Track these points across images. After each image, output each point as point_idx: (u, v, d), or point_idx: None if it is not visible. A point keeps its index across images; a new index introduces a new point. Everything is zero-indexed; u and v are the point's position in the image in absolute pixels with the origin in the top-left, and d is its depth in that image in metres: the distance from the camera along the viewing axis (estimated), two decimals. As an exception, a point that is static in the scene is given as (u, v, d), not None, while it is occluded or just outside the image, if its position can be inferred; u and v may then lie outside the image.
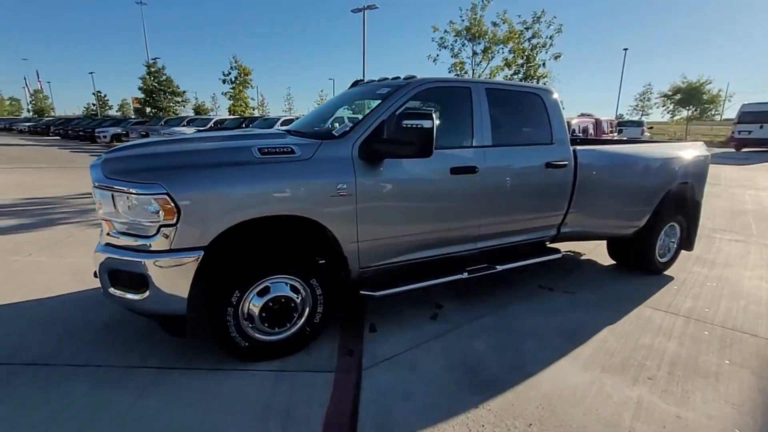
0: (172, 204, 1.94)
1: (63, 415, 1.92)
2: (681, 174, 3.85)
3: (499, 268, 3.09)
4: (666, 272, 4.06)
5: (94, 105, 38.37)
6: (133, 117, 26.79)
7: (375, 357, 2.48)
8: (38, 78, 67.51)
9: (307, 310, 2.43)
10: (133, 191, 1.94)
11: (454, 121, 2.93)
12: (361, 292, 2.60)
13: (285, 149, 2.27)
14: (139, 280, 2.01)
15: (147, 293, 2.03)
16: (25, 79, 67.67)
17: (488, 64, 12.84)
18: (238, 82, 28.63)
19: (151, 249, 1.99)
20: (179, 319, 2.13)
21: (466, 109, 2.87)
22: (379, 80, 3.29)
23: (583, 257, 4.57)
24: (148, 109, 25.77)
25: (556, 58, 15.20)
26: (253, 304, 2.24)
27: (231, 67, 28.41)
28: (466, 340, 2.70)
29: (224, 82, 28.81)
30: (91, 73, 46.57)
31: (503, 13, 12.17)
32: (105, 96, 38.30)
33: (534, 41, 14.69)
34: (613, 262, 4.24)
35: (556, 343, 2.68)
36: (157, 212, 1.94)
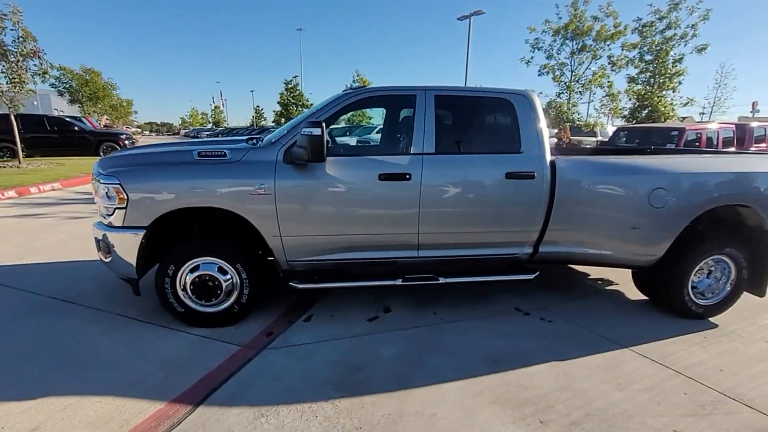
0: (124, 193, 2.58)
1: (54, 329, 2.73)
2: (729, 194, 3.00)
3: (442, 280, 2.98)
4: (713, 319, 3.20)
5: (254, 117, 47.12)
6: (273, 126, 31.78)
7: (285, 342, 2.73)
8: (221, 96, 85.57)
9: (236, 291, 2.83)
10: (102, 182, 2.64)
11: (393, 128, 2.96)
12: (290, 283, 2.88)
13: (218, 153, 2.72)
14: (106, 248, 2.71)
15: (111, 258, 2.71)
16: (212, 97, 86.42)
17: (590, 63, 11.24)
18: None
19: (112, 225, 2.66)
20: (134, 281, 2.77)
21: (408, 116, 2.88)
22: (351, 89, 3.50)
23: (613, 286, 3.89)
24: (282, 120, 30.20)
25: (700, 50, 12.47)
26: (187, 278, 2.74)
27: (353, 81, 31.20)
28: (379, 344, 2.72)
29: (348, 94, 31.78)
30: (251, 91, 56.84)
31: (607, 5, 10.51)
32: (262, 109, 46.49)
33: (668, 33, 12.35)
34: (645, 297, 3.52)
35: (470, 366, 2.49)
36: (114, 198, 2.60)
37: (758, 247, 3.15)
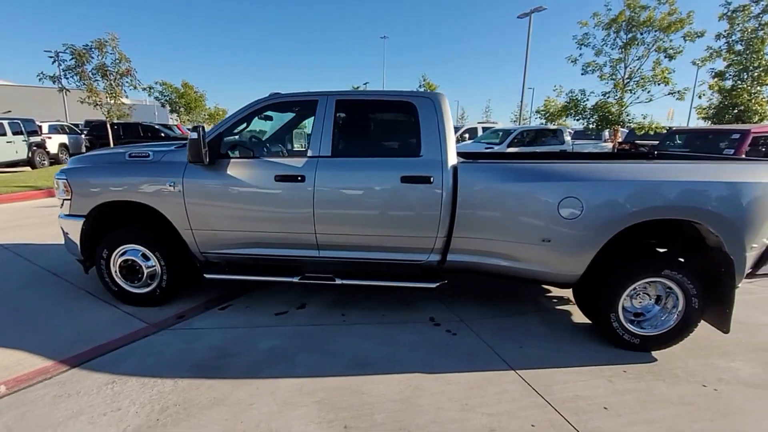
0: (69, 187, 3.11)
1: (33, 294, 3.38)
2: (663, 207, 2.56)
3: (338, 281, 3.02)
4: (659, 353, 2.75)
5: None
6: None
7: (188, 325, 3.02)
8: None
9: (158, 276, 3.20)
10: (57, 178, 3.20)
11: (298, 132, 3.08)
12: (204, 274, 3.18)
13: (143, 154, 3.12)
14: (63, 232, 3.28)
15: (65, 240, 3.28)
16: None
17: (648, 57, 9.66)
18: (425, 98, 31.31)
19: (64, 213, 3.21)
20: (82, 261, 3.31)
21: (309, 120, 2.99)
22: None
23: (566, 306, 3.52)
24: None
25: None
26: (118, 262, 3.19)
27: (420, 85, 31.32)
28: (265, 337, 2.86)
29: (413, 98, 32.05)
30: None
31: (665, -9, 8.98)
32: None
33: (766, 18, 10.30)
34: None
35: (329, 367, 2.51)
36: (63, 191, 3.15)
37: (717, 273, 2.63)
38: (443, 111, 2.90)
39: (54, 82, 12.21)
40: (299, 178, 2.88)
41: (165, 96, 25.26)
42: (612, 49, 10.16)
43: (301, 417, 2.06)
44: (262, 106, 3.09)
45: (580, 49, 10.50)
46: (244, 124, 3.15)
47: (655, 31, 9.47)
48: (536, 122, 14.16)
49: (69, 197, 3.14)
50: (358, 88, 32.41)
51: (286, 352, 2.67)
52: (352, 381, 2.38)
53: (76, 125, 18.20)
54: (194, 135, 2.66)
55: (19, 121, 12.09)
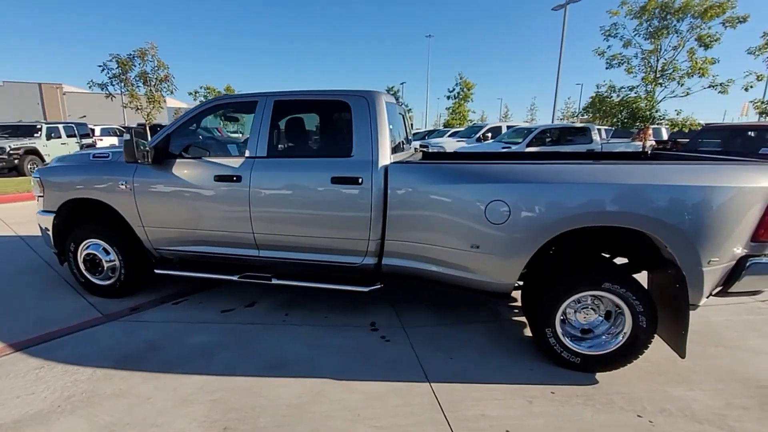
0: (41, 185, 3.38)
1: (22, 282, 3.71)
2: (600, 213, 2.29)
3: (275, 281, 3.02)
4: (605, 375, 2.49)
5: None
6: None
7: (136, 318, 3.17)
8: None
9: (118, 270, 3.39)
10: (33, 176, 3.49)
11: (242, 133, 3.11)
12: (154, 270, 3.32)
13: (104, 155, 3.31)
14: (39, 226, 3.57)
15: (42, 234, 3.57)
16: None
17: (683, 47, 8.59)
18: (460, 97, 30.68)
19: (39, 209, 3.50)
20: (56, 253, 3.58)
21: (249, 121, 3.02)
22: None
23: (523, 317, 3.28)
24: None
25: None
26: (83, 255, 3.42)
27: (456, 83, 30.74)
28: (199, 333, 2.93)
29: (448, 98, 31.53)
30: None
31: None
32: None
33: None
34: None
35: (245, 366, 2.52)
36: (38, 189, 3.42)
37: (672, 289, 2.32)
38: (377, 110, 2.81)
39: (102, 89, 13.41)
40: (235, 179, 2.92)
41: (209, 100, 26.91)
42: (644, 39, 9.29)
43: (189, 415, 2.08)
44: (207, 107, 3.17)
45: (607, 40, 9.72)
46: (194, 125, 3.25)
47: (692, 17, 8.53)
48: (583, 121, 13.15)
49: (42, 194, 3.41)
50: (392, 88, 32.43)
51: (210, 349, 2.72)
52: (257, 382, 2.37)
53: (129, 128, 19.89)
54: (127, 136, 2.79)
55: (72, 125, 13.37)
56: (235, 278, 3.09)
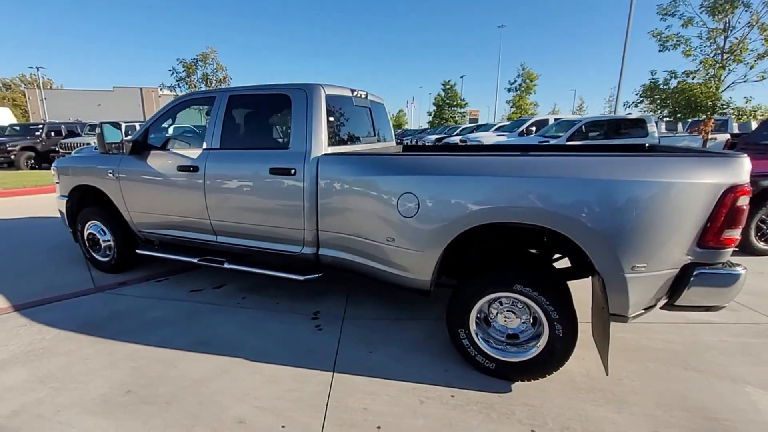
0: (57, 172, 3.95)
1: (37, 259, 4.40)
2: (506, 210, 2.10)
3: (227, 266, 3.22)
4: (529, 384, 2.32)
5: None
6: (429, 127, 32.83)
7: (118, 292, 3.58)
8: (413, 100, 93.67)
9: (113, 249, 3.86)
10: (52, 166, 4.09)
11: (198, 126, 3.35)
12: (136, 250, 3.72)
13: (120, 148, 3.77)
14: (58, 209, 4.18)
15: (60, 215, 4.17)
16: (406, 102, 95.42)
17: (756, 25, 7.02)
18: (522, 89, 29.09)
19: (57, 194, 4.09)
20: (71, 232, 4.16)
21: (209, 115, 3.24)
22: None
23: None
24: (435, 121, 31.05)
25: None
26: (86, 234, 3.94)
27: (518, 75, 29.17)
28: (160, 308, 3.23)
29: (509, 90, 30.07)
30: (421, 88, 60.32)
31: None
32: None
33: None
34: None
35: (178, 341, 2.75)
36: (55, 176, 4.01)
37: (595, 298, 2.08)
38: (314, 103, 2.85)
39: (170, 91, 15.02)
40: (192, 169, 3.17)
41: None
42: (708, 16, 7.99)
43: (108, 377, 2.34)
44: (177, 103, 3.46)
45: (665, 20, 8.53)
46: (169, 120, 3.56)
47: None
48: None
49: (57, 181, 3.99)
50: (449, 81, 31.75)
51: (159, 323, 3.00)
52: (178, 355, 2.57)
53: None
54: (98, 131, 3.16)
55: (135, 123, 15.14)
56: (195, 261, 3.36)
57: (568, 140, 9.28)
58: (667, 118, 9.12)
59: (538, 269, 2.22)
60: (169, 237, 3.58)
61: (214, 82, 15.01)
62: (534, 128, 11.88)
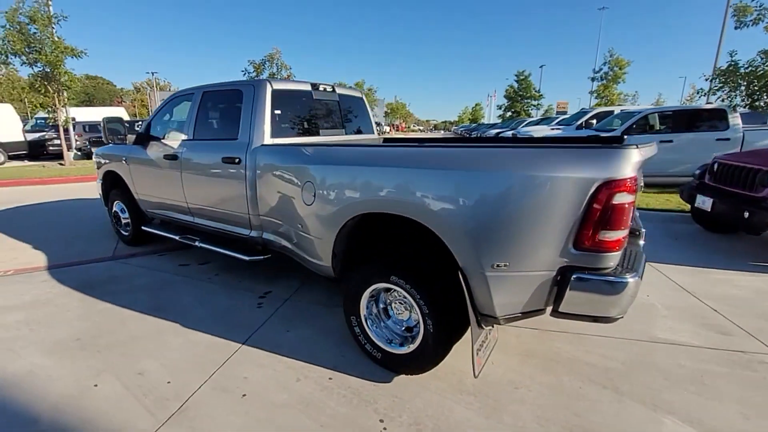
0: (95, 160, 4.77)
1: (101, 230, 5.33)
2: (378, 200, 2.10)
3: (197, 244, 3.62)
4: (411, 378, 2.32)
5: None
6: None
7: (127, 261, 4.23)
8: (494, 93, 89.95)
9: (130, 225, 4.56)
10: (94, 153, 4.92)
11: (182, 120, 3.78)
12: (141, 227, 4.34)
13: (122, 139, 4.45)
14: (98, 191, 5.02)
15: (100, 196, 5.02)
16: (488, 95, 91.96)
17: None
18: (608, 78, 26.21)
19: (98, 178, 4.93)
20: (107, 209, 4.98)
21: (189, 110, 3.66)
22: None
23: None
24: (507, 113, 29.35)
25: None
26: (113, 212, 4.70)
27: (604, 62, 26.30)
28: (146, 277, 3.77)
29: (593, 80, 27.29)
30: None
31: None
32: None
33: None
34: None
35: (140, 304, 3.21)
36: (96, 163, 4.84)
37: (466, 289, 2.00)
38: (259, 97, 3.07)
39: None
40: (173, 157, 3.62)
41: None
42: None
43: (73, 326, 2.85)
44: (171, 99, 3.96)
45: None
46: (167, 114, 4.08)
47: None
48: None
49: (98, 167, 4.81)
50: (523, 72, 29.83)
51: (138, 289, 3.51)
52: (134, 315, 3.02)
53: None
54: (101, 125, 3.76)
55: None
56: (176, 238, 3.83)
57: (623, 134, 8.28)
58: (743, 107, 7.50)
59: (413, 261, 2.17)
60: (164, 216, 4.12)
61: (280, 80, 16.22)
62: (594, 121, 10.76)
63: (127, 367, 2.38)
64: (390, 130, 55.29)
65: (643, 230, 2.68)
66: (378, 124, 45.47)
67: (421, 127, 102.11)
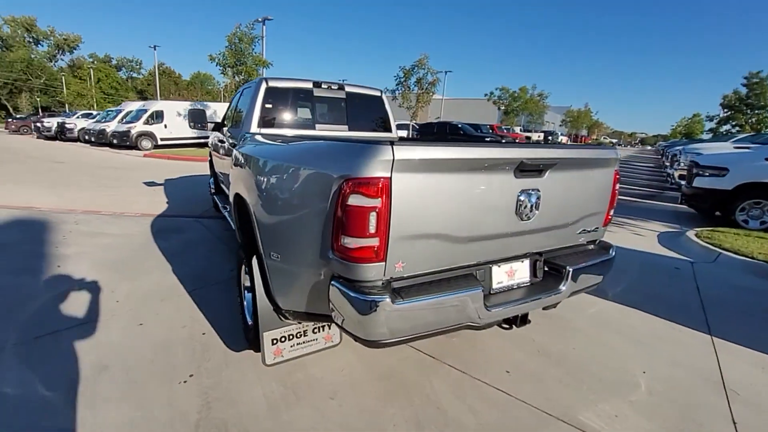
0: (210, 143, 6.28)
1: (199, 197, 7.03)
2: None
3: (225, 213, 4.45)
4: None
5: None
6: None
7: (195, 220, 5.47)
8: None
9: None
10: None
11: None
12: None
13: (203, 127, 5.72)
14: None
15: (211, 170, 6.58)
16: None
17: None
18: None
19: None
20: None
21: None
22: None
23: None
24: (724, 127, 22.25)
25: None
26: (209, 184, 6.11)
27: None
28: (195, 232, 4.84)
29: None
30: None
31: None
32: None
33: None
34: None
35: (177, 254, 4.21)
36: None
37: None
38: (257, 92, 3.59)
39: (392, 93, 17.95)
40: (223, 142, 4.54)
41: (503, 100, 28.62)
42: None
43: (116, 254, 4.00)
44: (237, 93, 4.88)
45: None
46: (233, 109, 5.06)
47: None
48: None
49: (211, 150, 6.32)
50: (757, 74, 22.21)
51: (179, 240, 4.55)
52: (158, 256, 4.00)
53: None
54: (189, 114, 4.95)
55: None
56: (220, 205, 4.78)
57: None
58: None
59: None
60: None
61: (426, 84, 16.93)
62: None
63: (131, 280, 3.28)
64: (565, 140, 49.35)
65: (570, 269, 2.02)
66: (550, 132, 41.13)
67: (616, 140, 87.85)
